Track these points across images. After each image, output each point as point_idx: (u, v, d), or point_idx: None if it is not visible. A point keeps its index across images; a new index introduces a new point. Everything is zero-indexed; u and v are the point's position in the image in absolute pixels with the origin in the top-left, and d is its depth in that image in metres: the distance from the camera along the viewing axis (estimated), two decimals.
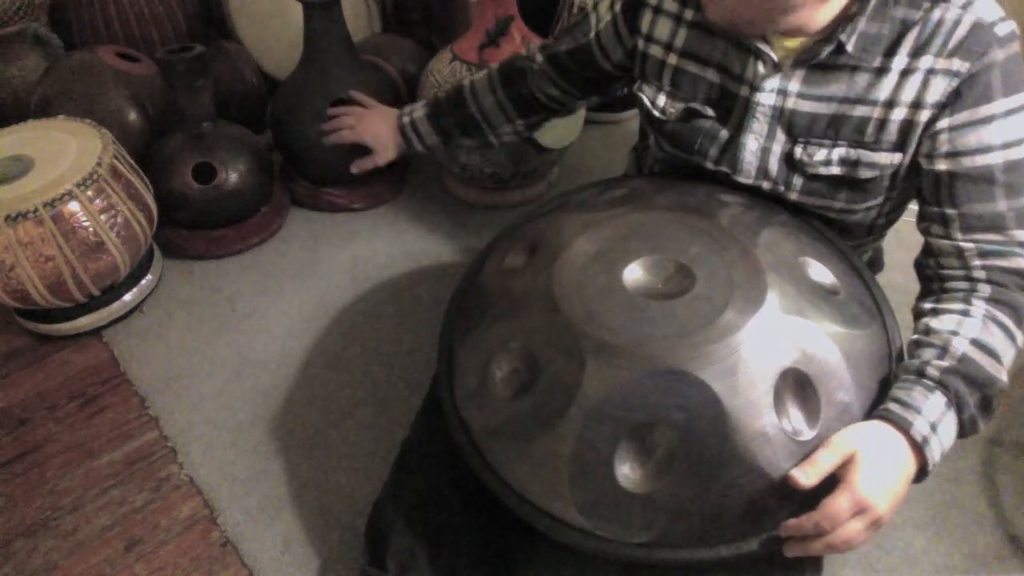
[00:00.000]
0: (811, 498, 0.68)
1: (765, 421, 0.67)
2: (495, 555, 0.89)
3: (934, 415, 0.70)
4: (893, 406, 0.70)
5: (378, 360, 1.34)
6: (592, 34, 0.99)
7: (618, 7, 0.94)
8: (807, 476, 0.66)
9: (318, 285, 1.51)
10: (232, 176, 1.52)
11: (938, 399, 0.70)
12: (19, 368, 1.36)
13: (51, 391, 1.31)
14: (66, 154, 1.31)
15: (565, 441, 0.70)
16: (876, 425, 0.70)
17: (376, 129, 1.28)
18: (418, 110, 1.19)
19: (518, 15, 1.53)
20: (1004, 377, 0.74)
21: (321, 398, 1.28)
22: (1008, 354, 0.75)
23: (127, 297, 1.42)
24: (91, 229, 1.27)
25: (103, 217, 1.28)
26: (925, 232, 0.84)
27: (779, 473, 0.67)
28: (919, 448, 0.69)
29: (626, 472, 0.69)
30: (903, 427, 0.69)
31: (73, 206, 1.24)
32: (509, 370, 0.77)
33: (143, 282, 1.45)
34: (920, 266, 0.86)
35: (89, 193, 1.26)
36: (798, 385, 0.70)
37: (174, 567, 1.05)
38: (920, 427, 0.69)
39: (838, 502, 0.65)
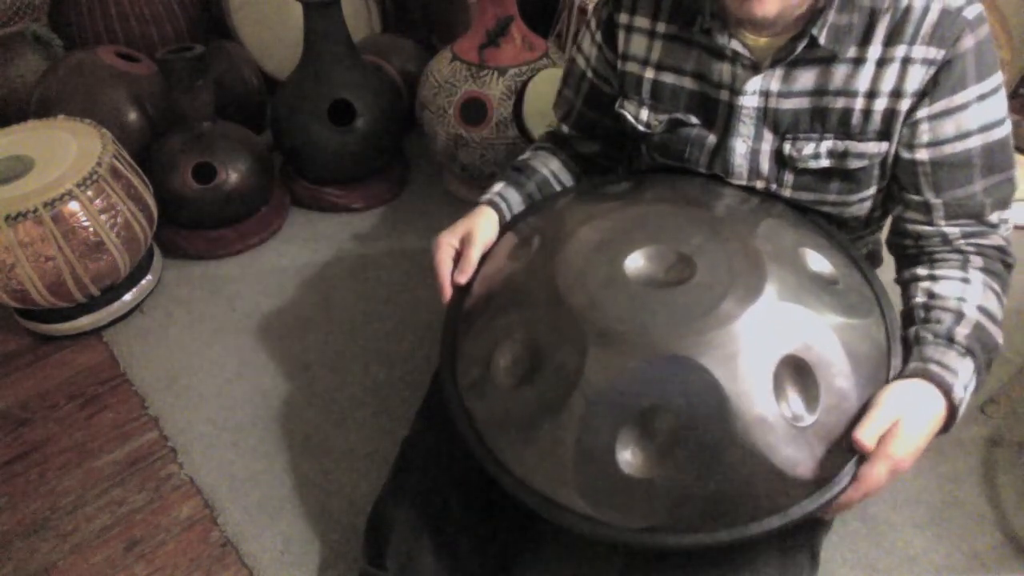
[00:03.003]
0: (813, 480, 0.69)
1: (765, 407, 0.68)
2: (495, 554, 0.89)
3: (966, 378, 0.73)
4: (935, 367, 0.72)
5: (378, 360, 1.34)
6: (591, 73, 0.98)
7: (599, 37, 0.94)
8: (872, 438, 0.68)
9: (318, 285, 1.51)
10: (232, 176, 1.52)
11: (969, 365, 0.74)
12: (19, 368, 1.36)
13: (51, 391, 1.31)
14: (66, 154, 1.31)
15: (568, 428, 0.71)
16: (921, 386, 0.72)
17: (482, 237, 0.91)
18: (508, 194, 0.97)
19: (518, 15, 1.53)
20: (1001, 340, 0.79)
21: (321, 398, 1.28)
22: (1001, 317, 0.79)
23: (127, 297, 1.42)
24: (91, 229, 1.27)
25: (103, 217, 1.28)
26: (900, 218, 0.86)
27: (779, 458, 0.68)
28: (954, 408, 0.72)
29: (628, 458, 0.69)
30: (945, 389, 0.71)
31: (73, 206, 1.24)
32: (512, 359, 0.77)
33: (143, 282, 1.46)
34: (896, 246, 0.88)
35: (89, 193, 1.26)
36: (798, 372, 0.70)
37: (174, 567, 1.05)
38: (959, 391, 0.72)
39: (878, 471, 0.68)
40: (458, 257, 0.90)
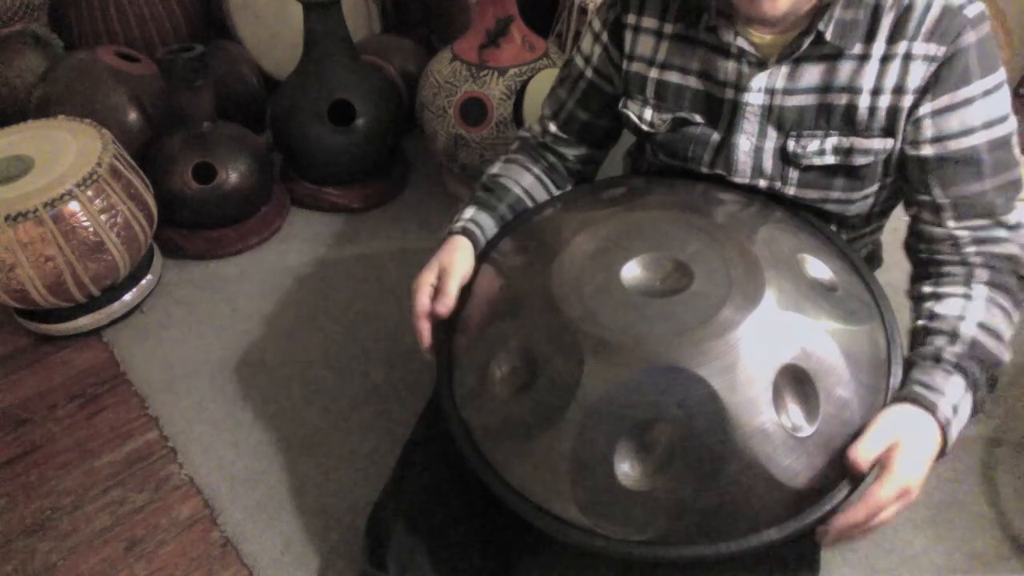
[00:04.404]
0: (812, 491, 0.68)
1: (764, 417, 0.67)
2: (495, 555, 0.89)
3: (956, 397, 0.72)
4: (918, 388, 0.72)
5: (378, 360, 1.34)
6: (590, 73, 0.97)
7: (605, 37, 0.94)
8: (866, 458, 0.67)
9: (318, 285, 1.51)
10: (232, 176, 1.52)
11: (958, 381, 0.73)
12: (19, 368, 1.36)
13: (51, 391, 1.31)
14: (66, 154, 1.31)
15: (565, 439, 0.70)
16: (908, 409, 0.71)
17: (459, 269, 0.89)
18: (481, 219, 0.94)
19: (518, 15, 1.53)
20: (1007, 356, 0.77)
21: (321, 398, 1.28)
22: (1008, 333, 0.78)
23: (127, 297, 1.42)
24: (91, 229, 1.27)
25: (103, 217, 1.28)
26: (915, 218, 0.85)
27: (778, 469, 0.67)
28: (943, 429, 0.70)
29: (626, 470, 0.69)
30: (929, 409, 0.70)
31: (73, 206, 1.24)
32: (508, 369, 0.77)
33: (143, 282, 1.46)
34: (911, 249, 0.88)
35: (89, 193, 1.26)
36: (797, 381, 0.70)
37: (174, 567, 1.05)
38: (944, 410, 0.71)
39: (885, 491, 0.67)
40: (435, 294, 0.88)
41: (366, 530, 0.92)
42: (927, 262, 0.85)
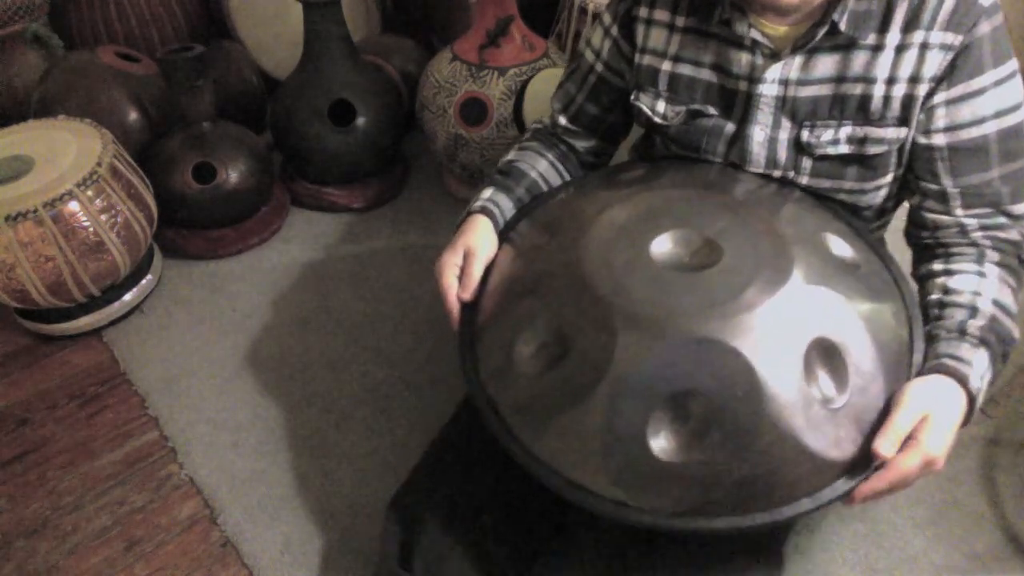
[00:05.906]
0: (844, 462, 0.68)
1: (797, 389, 0.67)
2: (525, 565, 0.88)
3: (982, 368, 0.74)
4: (949, 360, 0.73)
5: (378, 360, 1.34)
6: (600, 67, 0.98)
7: (615, 31, 0.94)
8: (892, 445, 0.68)
9: (318, 285, 1.51)
10: (232, 176, 1.52)
11: (983, 355, 0.74)
12: (19, 368, 1.36)
13: (51, 391, 1.31)
14: (66, 154, 1.31)
15: (597, 413, 0.70)
16: (939, 380, 0.72)
17: (483, 250, 0.89)
18: (499, 199, 0.94)
19: (518, 15, 1.53)
20: (1017, 333, 0.78)
21: (321, 398, 1.28)
22: (1015, 311, 0.79)
23: (127, 297, 1.42)
24: (91, 229, 1.27)
25: (103, 217, 1.28)
26: (919, 207, 0.86)
27: (811, 440, 0.67)
28: (971, 399, 0.72)
29: (660, 442, 0.69)
30: (962, 380, 0.72)
31: (73, 206, 1.24)
32: (537, 345, 0.77)
33: (143, 282, 1.46)
34: (914, 237, 0.89)
35: (89, 193, 1.26)
36: (827, 354, 0.70)
37: (174, 567, 1.05)
38: (975, 381, 0.72)
39: (910, 461, 0.68)
40: (460, 275, 0.88)
41: (387, 526, 0.88)
42: (934, 246, 0.86)
